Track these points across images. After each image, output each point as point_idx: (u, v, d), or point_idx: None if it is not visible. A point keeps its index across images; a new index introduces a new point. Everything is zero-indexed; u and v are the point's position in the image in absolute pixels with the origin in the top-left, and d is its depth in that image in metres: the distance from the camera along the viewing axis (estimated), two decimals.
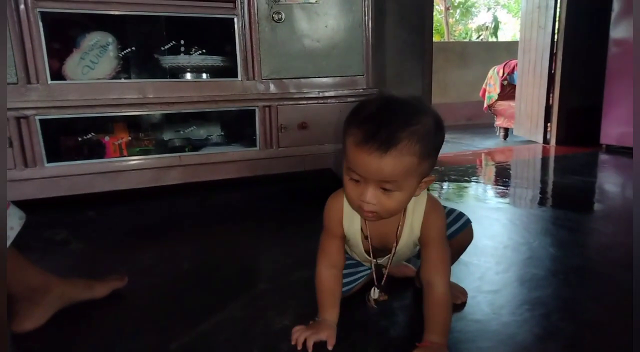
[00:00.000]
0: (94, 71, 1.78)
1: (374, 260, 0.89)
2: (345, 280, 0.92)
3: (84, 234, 1.55)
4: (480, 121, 5.45)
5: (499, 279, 1.12)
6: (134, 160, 1.86)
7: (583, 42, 3.28)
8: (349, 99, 2.10)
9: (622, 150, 2.97)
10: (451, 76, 5.62)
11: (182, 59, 1.97)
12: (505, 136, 4.15)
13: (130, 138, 1.91)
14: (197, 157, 1.95)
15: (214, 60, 1.99)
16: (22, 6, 1.59)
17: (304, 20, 1.99)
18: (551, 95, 3.39)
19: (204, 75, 2.02)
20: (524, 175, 2.58)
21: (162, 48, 2.00)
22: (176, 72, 2.00)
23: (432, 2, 2.84)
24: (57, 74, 1.72)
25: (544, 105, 3.40)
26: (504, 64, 4.16)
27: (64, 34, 1.81)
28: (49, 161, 1.73)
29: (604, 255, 1.30)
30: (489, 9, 11.26)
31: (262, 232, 1.58)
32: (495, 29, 10.22)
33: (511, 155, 3.29)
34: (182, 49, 2.01)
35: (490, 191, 2.15)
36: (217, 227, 1.65)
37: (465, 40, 10.41)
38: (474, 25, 11.19)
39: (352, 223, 0.86)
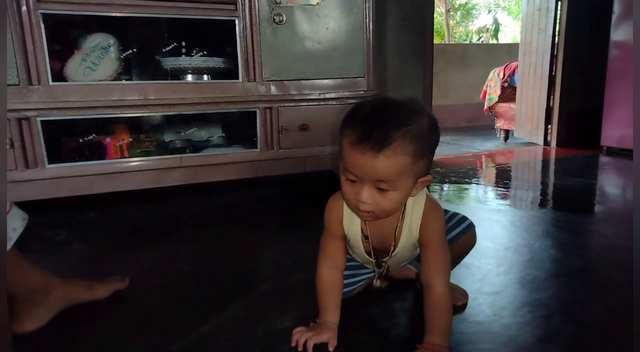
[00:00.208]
0: (96, 73, 1.79)
1: (375, 260, 0.89)
2: (346, 281, 0.92)
3: (85, 235, 1.55)
4: (480, 123, 5.46)
5: (500, 281, 1.12)
6: (135, 162, 1.86)
7: (583, 45, 3.28)
8: (350, 101, 2.09)
9: (622, 152, 2.97)
10: (452, 78, 5.63)
11: (183, 61, 1.97)
12: (506, 138, 4.16)
13: (131, 139, 1.92)
14: (198, 158, 1.95)
15: (215, 62, 1.99)
16: (24, 8, 1.60)
17: (305, 22, 2.00)
18: (552, 97, 3.39)
19: (205, 77, 2.03)
20: (524, 177, 2.58)
21: (164, 50, 2.00)
22: (177, 74, 2.00)
23: (433, 4, 2.85)
24: (58, 76, 1.72)
25: (545, 107, 3.40)
26: (504, 66, 4.16)
27: (65, 36, 1.82)
28: (50, 162, 1.73)
29: (604, 257, 1.30)
30: (489, 11, 11.30)
31: (263, 234, 1.58)
32: (496, 31, 10.25)
33: (512, 157, 3.29)
34: (184, 50, 2.01)
35: (491, 193, 2.15)
36: (218, 228, 1.65)
37: (465, 42, 10.44)
38: (474, 27, 11.23)
39: (352, 223, 0.86)
